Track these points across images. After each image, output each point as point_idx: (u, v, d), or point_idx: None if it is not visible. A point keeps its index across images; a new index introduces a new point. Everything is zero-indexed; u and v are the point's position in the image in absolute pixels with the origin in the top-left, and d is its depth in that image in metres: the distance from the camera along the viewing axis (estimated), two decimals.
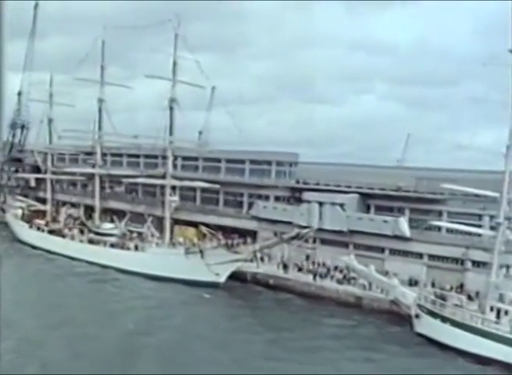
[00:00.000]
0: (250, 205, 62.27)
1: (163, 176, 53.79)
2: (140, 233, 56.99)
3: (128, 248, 54.28)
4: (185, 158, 66.69)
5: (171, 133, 53.04)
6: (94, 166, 60.81)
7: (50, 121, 66.45)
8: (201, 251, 48.26)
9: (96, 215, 60.95)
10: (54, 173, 68.37)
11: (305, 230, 45.74)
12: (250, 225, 59.99)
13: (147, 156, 72.66)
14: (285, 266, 51.60)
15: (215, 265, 47.97)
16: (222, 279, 48.89)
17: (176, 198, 54.87)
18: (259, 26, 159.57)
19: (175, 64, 52.91)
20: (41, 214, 66.97)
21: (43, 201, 75.85)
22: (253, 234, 58.54)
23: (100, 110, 59.96)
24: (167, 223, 54.03)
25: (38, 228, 63.90)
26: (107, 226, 56.88)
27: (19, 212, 66.10)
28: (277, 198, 60.86)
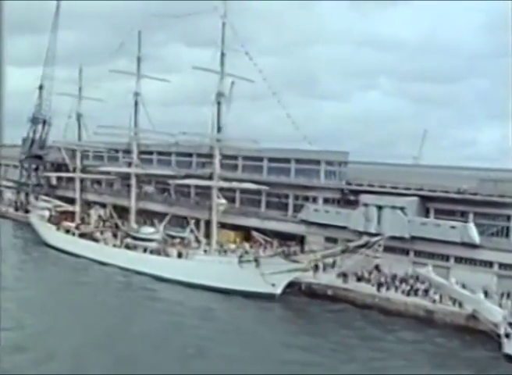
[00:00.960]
0: (296, 208, 58.21)
1: (210, 177, 49.47)
2: (182, 238, 52.79)
3: (170, 255, 50.05)
4: (224, 157, 62.31)
5: (219, 130, 48.71)
6: (129, 164, 56.43)
7: (79, 116, 62.12)
8: (256, 260, 44.04)
9: (132, 217, 56.57)
10: (83, 171, 63.92)
11: (376, 238, 41.50)
12: (298, 229, 55.74)
13: (179, 154, 68.48)
14: (344, 275, 47.40)
15: (271, 275, 43.78)
16: (279, 290, 44.70)
17: (224, 201, 50.59)
18: (264, 23, 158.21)
19: (223, 55, 48.57)
20: (69, 215, 62.66)
21: (66, 200, 71.82)
22: (300, 239, 54.49)
23: (136, 104, 55.58)
24: (214, 228, 49.76)
25: (67, 231, 59.71)
26: (147, 231, 52.51)
27: (46, 213, 61.72)
28: (326, 201, 56.68)
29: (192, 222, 53.86)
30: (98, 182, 74.89)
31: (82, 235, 57.88)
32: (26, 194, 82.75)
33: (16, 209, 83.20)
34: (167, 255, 50.13)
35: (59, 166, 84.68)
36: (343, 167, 57.75)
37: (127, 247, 53.13)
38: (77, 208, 62.40)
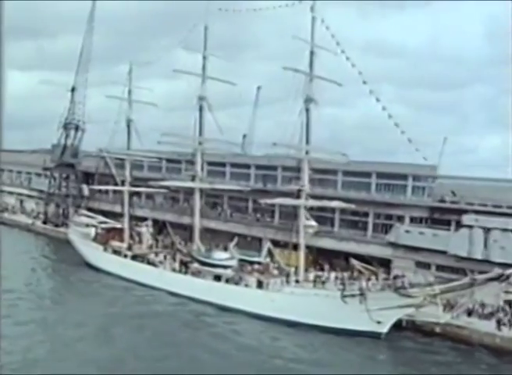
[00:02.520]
0: (376, 227, 51.99)
1: (297, 195, 42.87)
2: (258, 264, 46.25)
3: (248, 285, 43.40)
4: (285, 169, 55.75)
5: (307, 141, 42.21)
6: (193, 178, 49.63)
7: (129, 122, 55.43)
8: (363, 294, 37.55)
9: (196, 237, 49.66)
10: (133, 184, 57.10)
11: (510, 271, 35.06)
12: (382, 252, 49.30)
13: (259, 167, 61.45)
14: (451, 307, 40.91)
15: (378, 311, 37.37)
16: (385, 328, 38.27)
17: (314, 223, 44.07)
18: (268, 27, 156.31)
19: (312, 54, 42.20)
20: (117, 233, 55.79)
21: (100, 213, 65.23)
22: (385, 263, 48.14)
23: (201, 109, 49.04)
24: (301, 254, 43.16)
25: (115, 251, 52.96)
26: (221, 256, 45.62)
27: (92, 230, 54.75)
28: (412, 220, 50.29)
29: (268, 244, 47.51)
30: (150, 196, 67.82)
31: (134, 257, 51.14)
32: (57, 206, 75.74)
33: (45, 222, 76.18)
34: (246, 284, 43.45)
35: (90, 176, 78.20)
36: (432, 182, 51.29)
37: (194, 273, 46.43)
38: (126, 225, 55.47)
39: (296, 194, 43.09)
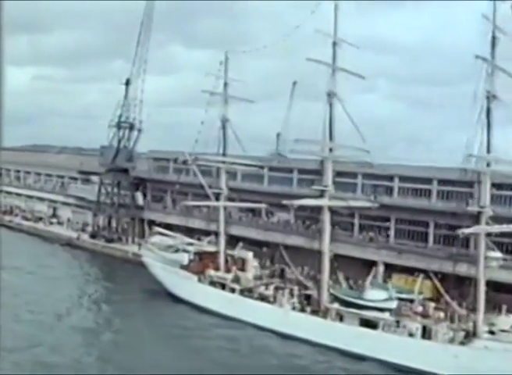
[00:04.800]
0: (437, 238, 46.40)
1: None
2: (410, 301, 36.60)
3: (412, 333, 33.65)
4: (339, 174, 47.48)
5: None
6: (322, 193, 39.41)
7: (224, 122, 45.13)
8: None
9: (325, 267, 39.33)
10: (231, 198, 46.47)
11: None
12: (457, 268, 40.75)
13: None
14: None
15: None
16: None
17: (499, 254, 34.40)
18: (264, 23, 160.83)
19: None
20: (209, 258, 45.45)
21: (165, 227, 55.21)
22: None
23: (331, 106, 39.03)
24: (481, 297, 33.22)
25: (212, 283, 42.78)
26: (376, 296, 35.58)
27: (184, 256, 44.17)
28: None
29: (420, 278, 38.17)
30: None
31: (243, 291, 41.05)
32: (109, 217, 65.09)
33: (93, 236, 65.54)
34: (411, 334, 33.67)
35: (141, 182, 68.04)
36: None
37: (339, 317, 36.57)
38: (222, 248, 45.10)
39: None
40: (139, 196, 65.60)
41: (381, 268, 48.31)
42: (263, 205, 50.50)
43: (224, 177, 45.47)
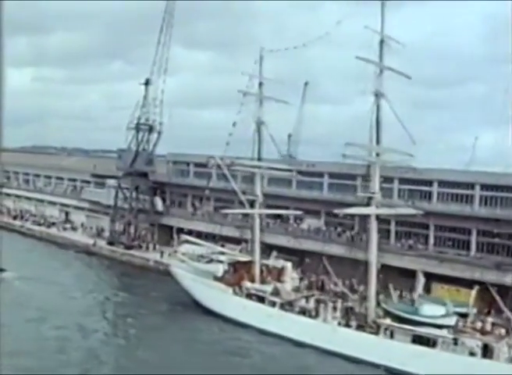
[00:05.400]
0: (480, 246, 44.71)
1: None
2: (461, 316, 34.09)
3: (473, 352, 31.18)
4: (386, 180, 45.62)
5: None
6: (369, 200, 36.84)
7: (259, 125, 42.56)
8: None
9: (372, 279, 36.71)
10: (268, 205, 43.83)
11: None
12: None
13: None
14: None
15: None
16: None
17: None
18: (265, 25, 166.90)
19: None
20: (243, 268, 42.84)
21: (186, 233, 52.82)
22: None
23: (378, 109, 36.61)
24: None
25: (249, 295, 40.17)
26: (434, 311, 32.97)
27: (219, 268, 41.52)
28: None
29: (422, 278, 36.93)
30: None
31: (284, 305, 38.47)
32: (128, 223, 62.37)
33: (111, 243, 62.84)
34: (471, 352, 31.20)
35: (159, 186, 65.46)
36: None
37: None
38: (257, 258, 42.48)
39: None
40: (158, 201, 63.02)
41: (421, 277, 46.11)
42: (298, 212, 48.07)
43: (259, 183, 42.84)
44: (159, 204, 63.08)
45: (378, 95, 37.08)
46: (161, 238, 63.23)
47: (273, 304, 38.65)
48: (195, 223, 60.33)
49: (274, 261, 44.25)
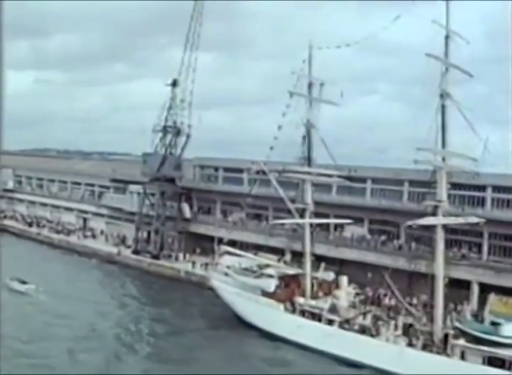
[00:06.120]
0: None
1: None
2: None
3: None
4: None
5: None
6: (434, 211, 33.87)
7: (309, 128, 39.56)
8: None
9: (439, 294, 33.49)
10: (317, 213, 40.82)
11: None
12: None
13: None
14: None
15: None
16: None
17: None
18: (265, 25, 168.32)
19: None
20: (292, 282, 39.77)
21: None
22: None
23: (443, 109, 33.70)
24: None
25: (302, 312, 37.13)
26: None
27: (271, 283, 38.35)
28: None
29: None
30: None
31: (343, 323, 35.47)
32: (156, 232, 59.23)
33: (137, 252, 59.78)
34: None
35: (187, 191, 62.45)
36: None
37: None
38: (308, 271, 39.40)
39: None
40: (186, 208, 59.97)
41: (476, 289, 43.42)
42: (347, 221, 45.12)
43: (310, 190, 39.81)
44: (187, 211, 60.05)
45: (443, 96, 34.30)
46: (188, 246, 60.22)
47: (331, 322, 35.66)
48: (226, 230, 57.28)
49: (323, 273, 41.27)
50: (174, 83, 57.14)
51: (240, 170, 58.32)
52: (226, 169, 60.61)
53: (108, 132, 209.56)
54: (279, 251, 50.13)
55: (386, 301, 39.73)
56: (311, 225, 41.58)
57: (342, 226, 50.81)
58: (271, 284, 38.14)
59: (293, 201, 41.44)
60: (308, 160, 39.63)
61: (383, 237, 49.43)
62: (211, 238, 59.18)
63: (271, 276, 38.80)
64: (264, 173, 43.35)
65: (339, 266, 48.73)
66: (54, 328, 38.19)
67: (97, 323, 40.11)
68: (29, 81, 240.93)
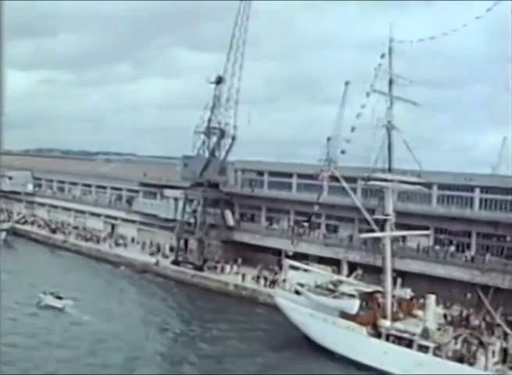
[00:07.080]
0: None
1: None
2: None
3: None
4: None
5: None
6: None
7: (389, 129, 35.61)
8: None
9: None
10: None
11: None
12: None
13: None
14: None
15: None
16: None
17: None
18: (269, 26, 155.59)
19: None
20: (371, 300, 35.82)
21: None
22: None
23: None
24: None
25: (388, 337, 33.11)
26: None
27: (354, 304, 34.14)
28: None
29: None
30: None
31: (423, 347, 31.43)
32: (200, 241, 55.12)
33: (177, 263, 55.74)
34: None
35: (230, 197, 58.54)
36: None
37: None
38: (388, 289, 35.44)
39: None
40: (229, 215, 55.94)
41: None
42: (428, 232, 41.20)
43: (391, 199, 35.81)
44: (230, 218, 55.99)
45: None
46: (229, 256, 56.25)
47: (422, 348, 31.68)
48: (273, 239, 53.49)
49: (400, 290, 37.35)
50: (218, 81, 53.10)
51: (289, 175, 54.48)
52: (272, 174, 56.65)
53: (112, 132, 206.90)
54: (331, 262, 46.56)
55: (476, 322, 35.68)
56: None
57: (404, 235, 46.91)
58: (354, 305, 34.04)
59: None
60: (389, 165, 35.60)
61: (452, 248, 45.66)
62: (254, 247, 55.64)
63: (352, 295, 34.73)
64: (336, 179, 39.31)
65: (402, 279, 45.04)
66: (108, 354, 34.42)
67: (151, 348, 36.47)
68: (33, 81, 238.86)
